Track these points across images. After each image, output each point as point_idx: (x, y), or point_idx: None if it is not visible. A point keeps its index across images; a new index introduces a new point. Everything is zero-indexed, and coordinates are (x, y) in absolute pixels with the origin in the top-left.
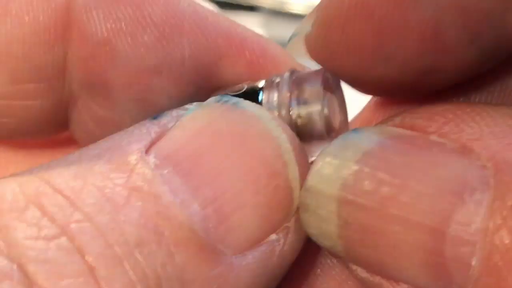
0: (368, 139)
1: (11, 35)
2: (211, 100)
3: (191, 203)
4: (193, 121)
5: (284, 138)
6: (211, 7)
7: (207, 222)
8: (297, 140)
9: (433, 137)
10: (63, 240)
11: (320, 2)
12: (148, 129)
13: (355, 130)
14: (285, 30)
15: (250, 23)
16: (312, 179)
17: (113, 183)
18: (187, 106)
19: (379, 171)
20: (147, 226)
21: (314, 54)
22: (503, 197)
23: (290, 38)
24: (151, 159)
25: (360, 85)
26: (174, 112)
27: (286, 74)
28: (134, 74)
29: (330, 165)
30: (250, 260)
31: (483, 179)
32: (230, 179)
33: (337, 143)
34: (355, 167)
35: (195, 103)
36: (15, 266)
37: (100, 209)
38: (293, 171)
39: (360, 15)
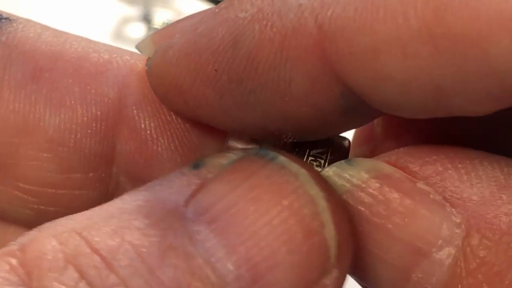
0: (358, 175)
1: (64, 125)
2: (251, 152)
3: (225, 262)
4: (232, 173)
5: (321, 196)
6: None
7: (241, 282)
8: (335, 197)
9: (420, 184)
10: None
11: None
12: (189, 181)
13: (348, 161)
14: None
15: None
16: None
17: (149, 241)
18: (228, 154)
19: (360, 204)
20: (181, 287)
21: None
22: (466, 259)
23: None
24: (189, 214)
25: None
26: (216, 161)
27: None
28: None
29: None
30: None
31: (454, 238)
32: (266, 237)
33: (329, 169)
34: (340, 197)
35: (237, 152)
36: None
37: (135, 271)
38: (330, 231)
39: (176, 96)
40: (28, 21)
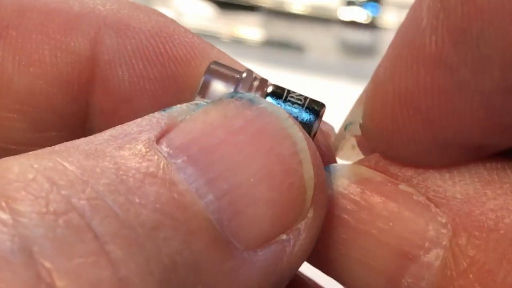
0: (338, 181)
1: (33, 85)
2: (225, 96)
3: (206, 193)
4: (206, 115)
5: (301, 137)
6: (211, 7)
7: (222, 214)
8: (311, 140)
9: (402, 186)
10: (73, 216)
11: (367, 89)
12: (158, 120)
13: (327, 167)
14: (285, 30)
15: (250, 23)
16: None
17: (126, 166)
18: (197, 101)
19: (343, 212)
20: (163, 211)
21: (372, 144)
22: (455, 260)
23: (346, 127)
24: (163, 148)
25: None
26: (185, 106)
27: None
28: None
29: None
30: (260, 258)
31: (441, 238)
32: (245, 173)
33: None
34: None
35: (204, 100)
36: (16, 246)
37: (114, 189)
38: (308, 171)
39: (406, 106)
40: None
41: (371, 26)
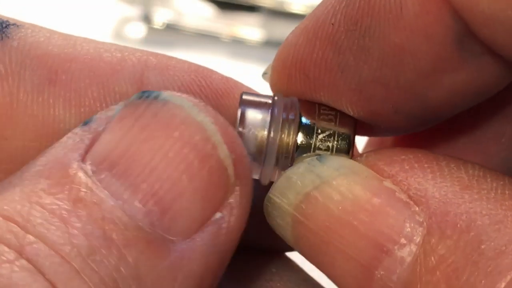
0: (327, 171)
1: None
2: (134, 97)
3: (132, 201)
4: (120, 121)
5: (208, 121)
6: (211, 7)
7: (151, 216)
8: (221, 119)
9: (387, 183)
10: (24, 262)
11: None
12: (81, 137)
13: (319, 157)
14: (285, 30)
15: (250, 23)
16: (274, 192)
17: (57, 198)
18: (113, 106)
19: (330, 203)
20: (95, 234)
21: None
22: (425, 257)
23: (263, 74)
24: (88, 166)
25: None
26: (103, 115)
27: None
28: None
29: (290, 183)
30: (199, 243)
31: (416, 235)
32: (165, 171)
33: (301, 165)
34: (309, 193)
35: (120, 102)
36: None
37: (49, 227)
38: (223, 150)
39: (298, 71)
40: (34, 26)
41: None
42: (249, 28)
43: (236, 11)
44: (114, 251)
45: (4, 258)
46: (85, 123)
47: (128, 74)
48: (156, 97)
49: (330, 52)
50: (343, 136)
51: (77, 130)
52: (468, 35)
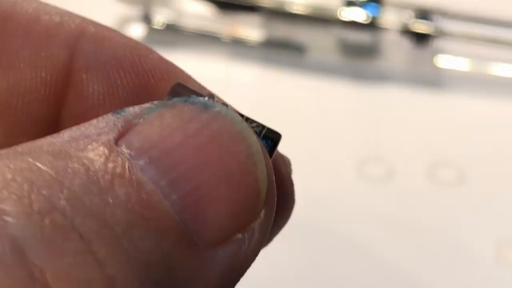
0: None
1: (12, 88)
2: (177, 100)
3: (170, 193)
4: (161, 119)
5: (254, 140)
6: (211, 7)
7: (186, 213)
8: (262, 144)
9: None
10: (57, 216)
11: None
12: (114, 122)
13: None
14: (285, 30)
15: (250, 23)
16: None
17: (94, 167)
18: (147, 104)
19: None
20: (134, 211)
21: None
22: None
23: None
24: (124, 149)
25: None
26: (137, 109)
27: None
28: None
29: None
30: (220, 256)
31: None
32: (205, 174)
33: None
34: None
35: (156, 102)
36: (7, 247)
37: (88, 190)
38: (262, 172)
39: None
40: None
41: (371, 26)
42: (249, 28)
43: (236, 11)
44: (151, 233)
45: (36, 208)
46: (117, 112)
47: (63, 39)
48: (205, 104)
49: None
50: (271, 131)
51: (109, 116)
52: None
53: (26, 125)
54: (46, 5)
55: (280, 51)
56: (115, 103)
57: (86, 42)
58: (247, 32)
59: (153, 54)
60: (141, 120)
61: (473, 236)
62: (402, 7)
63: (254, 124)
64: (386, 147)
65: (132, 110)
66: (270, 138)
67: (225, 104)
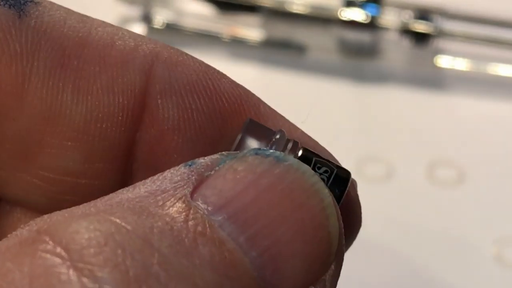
0: None
1: (90, 114)
2: (249, 152)
3: (249, 250)
4: (234, 172)
5: (327, 193)
6: (211, 7)
7: (265, 270)
8: (332, 195)
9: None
10: (153, 283)
11: None
12: (188, 176)
13: None
14: (285, 30)
15: (250, 23)
16: None
17: (177, 226)
18: (216, 155)
19: None
20: (219, 272)
21: None
22: None
23: None
24: (201, 204)
25: None
26: (207, 160)
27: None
28: None
29: None
30: None
31: None
32: (281, 230)
33: None
34: None
35: (225, 153)
36: None
37: (176, 251)
38: (334, 225)
39: None
40: (52, 4)
41: (371, 26)
42: (249, 28)
43: (236, 11)
44: None
45: (131, 274)
46: (188, 164)
47: (138, 65)
48: (277, 157)
49: None
50: (341, 171)
51: (181, 168)
52: None
53: (103, 150)
54: (120, 29)
55: (280, 51)
56: (190, 128)
57: (160, 67)
58: (247, 32)
59: (225, 78)
60: (213, 172)
61: (472, 235)
62: (402, 7)
63: (323, 169)
64: (385, 147)
65: (204, 161)
66: (341, 178)
67: (296, 142)
